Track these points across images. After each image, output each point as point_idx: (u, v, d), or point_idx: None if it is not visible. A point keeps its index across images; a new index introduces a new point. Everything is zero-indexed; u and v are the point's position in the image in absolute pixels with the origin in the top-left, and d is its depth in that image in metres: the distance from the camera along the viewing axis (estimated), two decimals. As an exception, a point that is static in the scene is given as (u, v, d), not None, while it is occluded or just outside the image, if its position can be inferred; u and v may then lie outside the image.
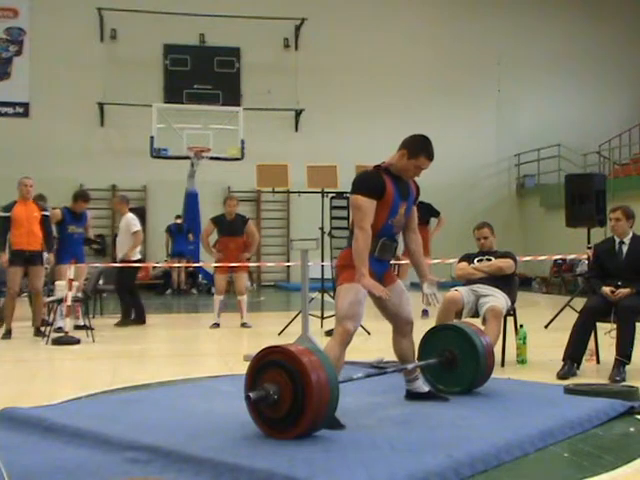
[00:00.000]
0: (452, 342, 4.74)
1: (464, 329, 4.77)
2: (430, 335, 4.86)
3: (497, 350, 5.91)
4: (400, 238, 4.50)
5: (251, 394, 3.58)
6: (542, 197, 18.51)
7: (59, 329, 8.26)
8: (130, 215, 9.74)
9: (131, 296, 9.55)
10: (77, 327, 8.54)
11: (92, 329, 8.13)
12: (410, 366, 4.50)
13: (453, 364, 4.69)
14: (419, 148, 4.23)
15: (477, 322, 5.63)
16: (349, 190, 4.32)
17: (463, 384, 4.71)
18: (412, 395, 4.55)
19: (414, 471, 3.09)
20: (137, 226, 9.58)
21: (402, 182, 4.29)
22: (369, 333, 7.90)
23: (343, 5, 18.65)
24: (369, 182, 4.18)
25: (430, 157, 4.24)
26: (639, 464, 3.43)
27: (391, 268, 4.56)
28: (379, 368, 5.72)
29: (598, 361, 6.06)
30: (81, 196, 9.22)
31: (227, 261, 9.20)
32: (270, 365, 3.65)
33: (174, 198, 16.19)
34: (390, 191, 4.18)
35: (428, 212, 10.11)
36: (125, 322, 9.42)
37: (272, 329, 8.59)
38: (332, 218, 9.27)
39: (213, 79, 18.34)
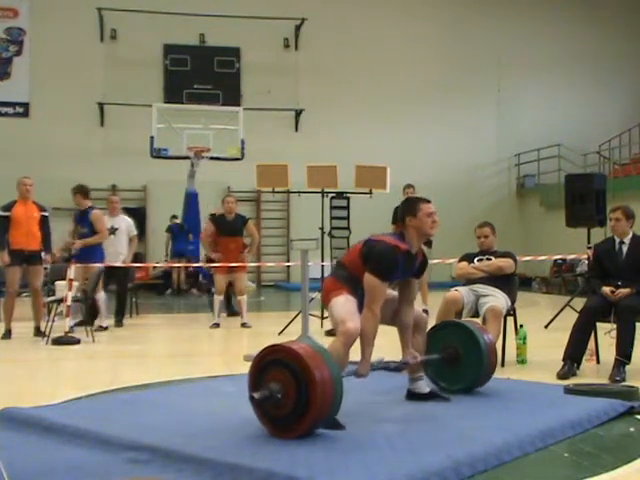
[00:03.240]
0: (455, 339, 4.73)
1: (468, 326, 4.77)
2: (434, 332, 4.86)
3: (497, 350, 5.92)
4: None
5: (255, 395, 3.58)
6: (542, 197, 18.51)
7: (72, 328, 8.40)
8: (126, 217, 9.83)
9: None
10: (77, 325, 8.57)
11: (92, 327, 8.15)
12: (410, 356, 4.46)
13: (456, 361, 4.68)
14: (412, 204, 4.37)
15: (477, 322, 5.63)
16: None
17: (465, 382, 4.70)
18: (413, 395, 4.55)
19: (414, 471, 3.08)
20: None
21: (412, 259, 4.33)
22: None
23: (343, 5, 18.65)
24: (389, 266, 4.18)
25: (426, 200, 4.40)
26: (639, 464, 3.43)
27: None
28: (379, 368, 5.72)
29: (598, 361, 6.05)
30: (76, 190, 8.92)
31: (227, 261, 9.20)
32: (273, 364, 3.65)
33: (174, 198, 16.19)
34: (397, 271, 4.24)
35: None
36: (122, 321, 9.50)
37: (272, 329, 8.58)
38: (332, 218, 9.27)
39: (213, 79, 18.34)
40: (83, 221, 8.85)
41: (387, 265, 4.19)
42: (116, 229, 9.43)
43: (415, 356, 4.46)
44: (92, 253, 8.80)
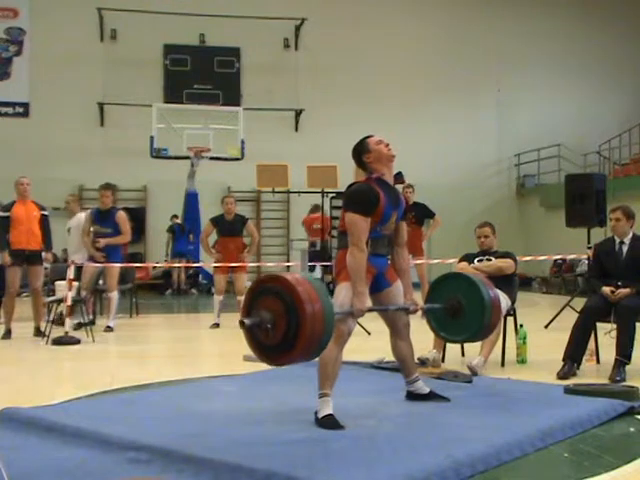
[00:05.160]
0: (460, 290, 4.63)
1: (474, 279, 4.67)
2: (440, 282, 4.79)
3: (497, 350, 5.93)
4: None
5: (245, 320, 3.50)
6: (542, 197, 18.51)
7: (109, 328, 8.63)
8: (83, 214, 9.61)
9: None
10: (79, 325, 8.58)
11: (93, 324, 8.17)
12: (410, 302, 4.42)
13: (458, 312, 4.58)
14: (359, 146, 4.33)
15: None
16: None
17: (466, 333, 4.63)
18: (413, 396, 4.54)
19: (414, 471, 3.08)
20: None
21: (393, 191, 4.30)
22: (369, 333, 7.90)
23: (343, 5, 18.64)
24: (365, 199, 4.13)
25: (371, 135, 4.39)
26: (639, 464, 3.43)
27: (390, 265, 4.54)
28: (380, 368, 5.73)
29: (598, 361, 6.06)
30: (102, 187, 8.95)
31: (227, 261, 9.19)
32: (267, 292, 3.54)
33: (174, 198, 16.20)
34: (383, 202, 4.17)
35: (423, 213, 9.99)
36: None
37: (272, 329, 8.57)
38: (332, 218, 9.28)
39: (213, 79, 18.34)
40: (107, 221, 8.85)
41: (363, 198, 4.14)
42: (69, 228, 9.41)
43: (415, 303, 4.42)
44: (115, 253, 8.87)
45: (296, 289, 3.42)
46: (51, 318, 8.04)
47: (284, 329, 3.42)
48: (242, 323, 3.50)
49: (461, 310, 4.57)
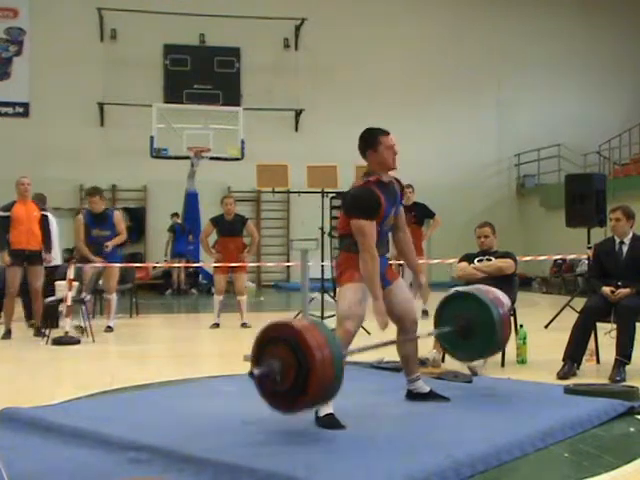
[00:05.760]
0: (469, 310, 4.64)
1: (481, 297, 4.68)
2: (447, 302, 4.81)
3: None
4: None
5: (255, 371, 3.48)
6: (542, 197, 18.51)
7: (109, 328, 8.64)
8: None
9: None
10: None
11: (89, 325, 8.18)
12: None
13: (468, 333, 4.60)
14: (371, 137, 4.29)
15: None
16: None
17: (479, 352, 4.70)
18: (413, 395, 4.55)
19: (414, 471, 3.08)
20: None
21: (390, 188, 4.30)
22: (369, 333, 7.87)
23: (343, 5, 18.64)
24: (367, 204, 4.13)
25: (386, 132, 4.32)
26: (639, 464, 3.43)
27: (390, 265, 4.55)
28: (380, 368, 5.73)
29: (598, 361, 6.06)
30: (89, 194, 8.95)
31: (227, 261, 9.20)
32: (274, 341, 3.52)
33: (174, 198, 16.19)
34: (383, 204, 4.19)
35: (423, 213, 9.99)
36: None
37: (272, 329, 8.56)
38: (332, 218, 9.28)
39: (213, 79, 18.34)
40: (104, 223, 8.80)
41: (366, 203, 4.13)
42: None
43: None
44: (115, 253, 8.93)
45: (304, 336, 3.41)
46: (39, 323, 8.07)
47: (294, 376, 3.42)
48: (251, 374, 3.48)
49: (471, 331, 4.60)
